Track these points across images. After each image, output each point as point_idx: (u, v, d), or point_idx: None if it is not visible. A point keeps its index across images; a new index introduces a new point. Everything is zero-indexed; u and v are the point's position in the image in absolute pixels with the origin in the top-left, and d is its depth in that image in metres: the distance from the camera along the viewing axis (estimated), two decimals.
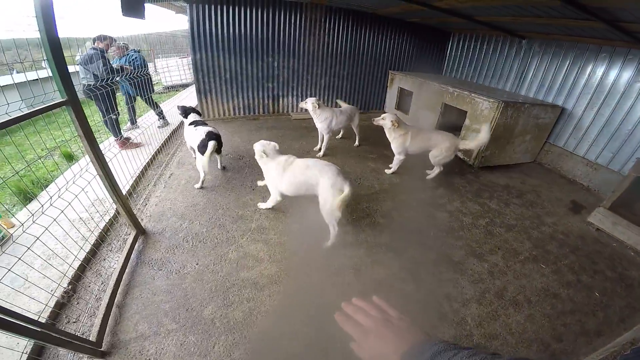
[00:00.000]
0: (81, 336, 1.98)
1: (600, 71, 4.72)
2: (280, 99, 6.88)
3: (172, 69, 10.17)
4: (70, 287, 2.54)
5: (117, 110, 4.70)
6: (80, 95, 3.75)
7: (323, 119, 4.72)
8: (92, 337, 2.06)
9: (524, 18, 4.43)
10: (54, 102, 2.02)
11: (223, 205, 3.60)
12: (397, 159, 4.40)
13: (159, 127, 5.87)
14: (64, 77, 2.06)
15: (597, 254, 3.35)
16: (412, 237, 3.25)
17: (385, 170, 4.59)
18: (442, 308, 2.52)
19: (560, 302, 2.67)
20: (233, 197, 3.77)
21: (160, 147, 4.98)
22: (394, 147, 4.32)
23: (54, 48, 1.94)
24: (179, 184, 4.03)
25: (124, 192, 3.52)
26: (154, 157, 4.75)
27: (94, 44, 4.69)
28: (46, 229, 2.00)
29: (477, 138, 3.94)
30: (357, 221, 3.44)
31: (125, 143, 4.70)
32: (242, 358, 2.04)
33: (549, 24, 4.41)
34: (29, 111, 1.83)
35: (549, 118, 5.12)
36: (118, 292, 2.47)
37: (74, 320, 2.28)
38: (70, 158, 5.07)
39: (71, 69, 2.30)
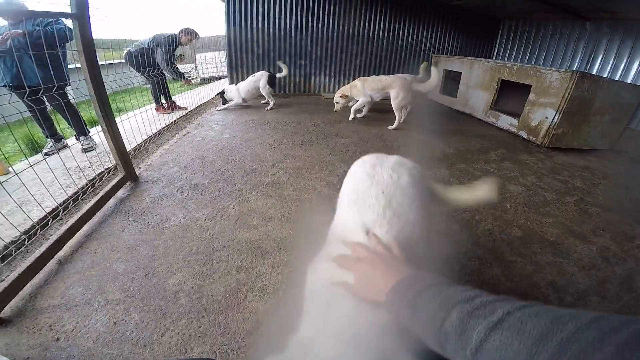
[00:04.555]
0: None
1: None
2: (312, 78, 5.84)
3: (210, 62, 9.64)
4: (24, 237, 1.65)
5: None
6: None
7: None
8: None
9: None
10: (60, 11, 1.77)
11: (236, 158, 2.62)
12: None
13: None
14: None
15: None
16: (481, 208, 2.08)
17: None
18: (549, 301, 1.41)
19: None
20: (250, 152, 2.78)
21: (183, 114, 4.17)
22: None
23: None
24: (193, 140, 3.12)
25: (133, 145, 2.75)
26: (174, 122, 3.90)
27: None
28: (31, 166, 1.15)
29: (430, 81, 3.65)
30: None
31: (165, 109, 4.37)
32: None
33: None
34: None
35: (632, 99, 3.71)
36: (68, 244, 1.55)
37: (3, 278, 1.37)
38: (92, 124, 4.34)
39: None
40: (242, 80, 4.70)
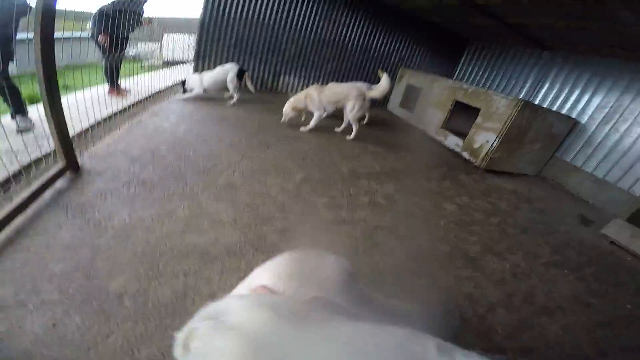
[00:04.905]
0: None
1: (622, 85, 4.03)
2: (281, 77, 5.90)
3: (177, 45, 9.12)
4: None
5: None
6: None
7: None
8: None
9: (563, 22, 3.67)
10: None
11: (190, 155, 2.62)
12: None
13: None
14: None
15: (616, 266, 2.63)
16: (419, 225, 2.36)
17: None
18: (464, 312, 1.67)
19: (595, 312, 1.95)
20: (205, 149, 2.79)
21: (138, 100, 3.95)
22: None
23: None
24: (145, 130, 3.03)
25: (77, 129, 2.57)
26: (127, 108, 3.68)
27: None
28: None
29: (379, 87, 3.82)
30: (354, 198, 2.52)
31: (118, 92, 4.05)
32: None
33: (594, 31, 3.64)
34: None
35: (562, 129, 4.35)
36: None
37: None
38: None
39: None
40: (207, 70, 4.61)
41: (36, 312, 1.16)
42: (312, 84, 6.03)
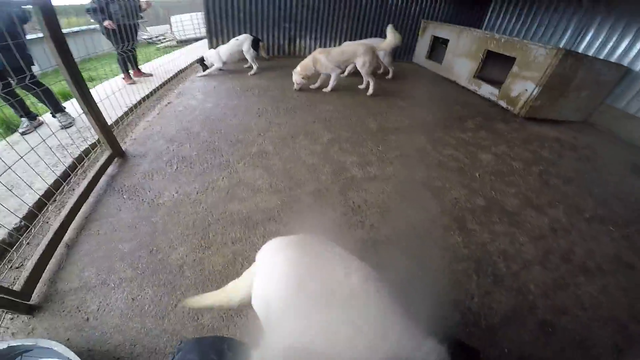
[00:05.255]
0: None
1: None
2: (297, 40, 5.69)
3: (186, 24, 9.08)
4: (22, 222, 1.71)
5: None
6: None
7: None
8: (18, 287, 1.26)
9: None
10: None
11: (221, 129, 2.70)
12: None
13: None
14: None
15: None
16: (452, 176, 2.29)
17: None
18: (497, 269, 1.63)
19: (637, 275, 1.76)
20: (235, 122, 2.85)
21: (163, 82, 4.02)
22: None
23: None
24: (175, 110, 3.12)
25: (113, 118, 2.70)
26: (153, 92, 3.77)
27: None
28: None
29: (387, 39, 3.65)
30: (384, 153, 2.49)
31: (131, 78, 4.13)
32: (214, 324, 1.22)
33: None
34: None
35: (611, 76, 3.87)
36: (71, 227, 1.65)
37: (17, 265, 1.46)
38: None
39: None
40: (223, 44, 4.54)
41: (116, 289, 1.33)
42: (329, 43, 5.80)
